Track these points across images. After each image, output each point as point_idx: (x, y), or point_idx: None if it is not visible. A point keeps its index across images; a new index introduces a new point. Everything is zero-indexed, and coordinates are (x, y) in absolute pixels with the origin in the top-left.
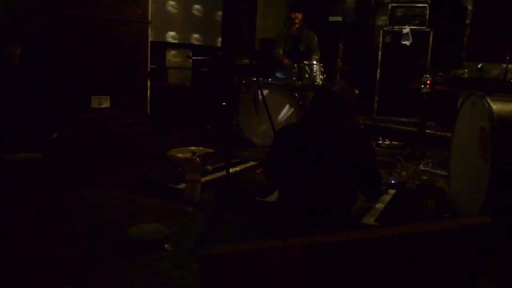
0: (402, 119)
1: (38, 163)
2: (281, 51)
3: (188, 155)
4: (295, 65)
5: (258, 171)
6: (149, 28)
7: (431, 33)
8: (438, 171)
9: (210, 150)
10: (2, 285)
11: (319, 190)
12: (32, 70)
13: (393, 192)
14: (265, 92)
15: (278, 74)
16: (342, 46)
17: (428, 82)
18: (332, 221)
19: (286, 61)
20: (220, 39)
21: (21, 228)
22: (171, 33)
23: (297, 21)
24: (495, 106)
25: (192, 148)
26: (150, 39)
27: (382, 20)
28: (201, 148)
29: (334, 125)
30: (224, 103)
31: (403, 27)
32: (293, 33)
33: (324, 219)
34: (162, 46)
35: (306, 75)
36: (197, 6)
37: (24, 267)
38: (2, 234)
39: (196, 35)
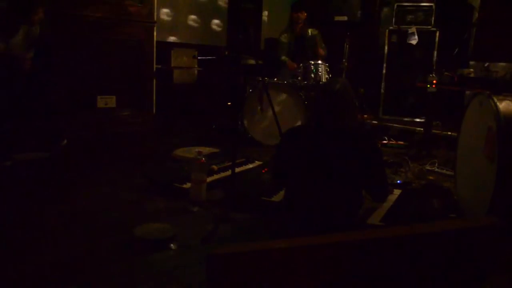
0: (408, 119)
1: (45, 163)
2: (284, 57)
3: (194, 155)
4: (300, 65)
5: (263, 171)
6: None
7: (437, 32)
8: (444, 171)
9: (216, 150)
10: (7, 284)
11: (325, 190)
12: (40, 71)
13: (399, 192)
14: (271, 92)
15: (283, 74)
16: (347, 46)
17: (434, 81)
18: (338, 222)
19: (290, 64)
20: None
21: (26, 228)
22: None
23: (300, 21)
24: (502, 106)
25: (198, 147)
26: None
27: (388, 19)
28: (207, 147)
29: (338, 123)
30: (229, 103)
31: (409, 26)
32: (297, 33)
33: (330, 219)
34: (168, 46)
35: (312, 75)
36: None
37: (29, 267)
38: (7, 233)
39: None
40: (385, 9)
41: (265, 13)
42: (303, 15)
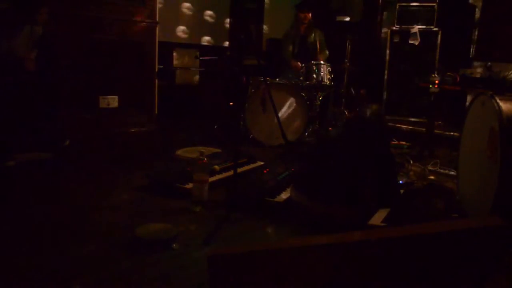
0: (410, 119)
1: (48, 163)
2: (289, 51)
3: (196, 155)
4: (303, 65)
5: (265, 171)
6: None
7: (440, 32)
8: (446, 171)
9: (218, 150)
10: (8, 285)
11: (330, 190)
12: (43, 71)
13: (401, 193)
14: (273, 92)
15: (285, 74)
16: (349, 46)
17: (437, 81)
18: (340, 222)
19: (295, 63)
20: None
21: (28, 228)
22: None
23: (306, 21)
24: (505, 106)
25: (200, 148)
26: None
27: (390, 19)
28: (209, 148)
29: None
30: (231, 103)
31: (411, 26)
32: (301, 33)
33: (333, 220)
34: (170, 46)
35: (314, 75)
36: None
37: (30, 267)
38: (9, 233)
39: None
40: (387, 9)
41: (267, 13)
42: (309, 16)
